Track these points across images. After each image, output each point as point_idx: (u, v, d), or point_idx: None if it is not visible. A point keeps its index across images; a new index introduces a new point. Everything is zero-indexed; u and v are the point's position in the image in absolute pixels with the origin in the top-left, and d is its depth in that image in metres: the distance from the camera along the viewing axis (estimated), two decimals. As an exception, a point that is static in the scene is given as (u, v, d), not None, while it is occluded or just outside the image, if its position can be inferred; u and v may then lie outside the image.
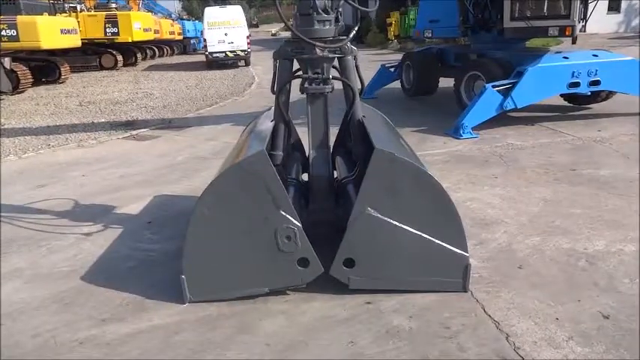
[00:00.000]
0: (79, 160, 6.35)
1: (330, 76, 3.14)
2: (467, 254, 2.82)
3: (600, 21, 20.60)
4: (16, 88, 12.77)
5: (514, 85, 6.75)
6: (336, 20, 3.12)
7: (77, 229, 4.06)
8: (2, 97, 12.44)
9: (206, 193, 2.75)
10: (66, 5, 19.31)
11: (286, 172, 3.44)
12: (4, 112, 10.49)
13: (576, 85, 7.02)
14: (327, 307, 2.78)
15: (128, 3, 25.40)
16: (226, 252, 2.78)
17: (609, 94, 7.79)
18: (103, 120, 9.29)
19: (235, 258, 2.80)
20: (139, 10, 24.95)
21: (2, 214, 4.42)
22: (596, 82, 7.05)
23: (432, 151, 5.98)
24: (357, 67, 3.24)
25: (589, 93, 7.49)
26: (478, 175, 5.06)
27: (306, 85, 3.14)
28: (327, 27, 3.05)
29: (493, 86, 6.74)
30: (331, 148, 3.43)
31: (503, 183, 4.78)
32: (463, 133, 6.61)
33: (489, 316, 2.64)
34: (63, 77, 15.46)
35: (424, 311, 2.70)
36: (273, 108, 3.48)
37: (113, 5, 21.96)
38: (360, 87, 3.38)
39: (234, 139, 4.22)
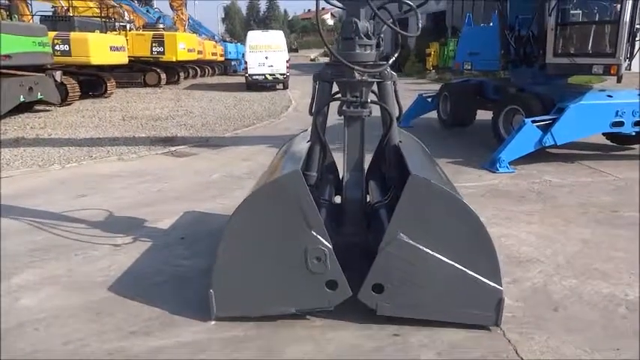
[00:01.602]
0: (118, 173, 6.54)
1: (369, 100, 3.17)
2: (501, 288, 2.73)
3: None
4: (64, 100, 13.33)
5: (554, 121, 6.64)
6: (377, 46, 3.16)
7: (112, 240, 4.16)
8: (51, 108, 13.01)
9: (240, 209, 2.78)
10: (117, 24, 20.19)
11: (319, 194, 3.45)
12: (51, 123, 10.96)
13: (620, 124, 6.84)
14: (354, 337, 2.74)
15: (175, 24, 26.37)
16: (256, 269, 2.79)
17: (655, 135, 7.55)
18: (143, 135, 9.58)
19: (264, 276, 2.80)
20: (184, 32, 25.82)
21: (43, 221, 4.58)
22: (641, 123, 6.85)
23: (467, 184, 5.90)
24: (395, 92, 3.26)
25: (633, 133, 7.28)
26: (514, 210, 4.95)
27: (344, 107, 3.17)
28: (368, 52, 3.09)
29: (533, 121, 6.64)
30: (365, 171, 3.44)
31: (539, 220, 4.66)
32: (500, 167, 6.51)
33: (522, 359, 2.55)
34: (109, 92, 16.07)
35: (453, 349, 2.62)
36: (309, 129, 3.52)
37: (161, 26, 22.85)
38: (397, 112, 3.38)
39: (268, 160, 4.27)
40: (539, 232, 4.37)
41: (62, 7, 18.94)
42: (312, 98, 3.34)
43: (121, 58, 17.07)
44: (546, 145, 6.62)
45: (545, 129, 6.63)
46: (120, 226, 4.51)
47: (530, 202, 5.23)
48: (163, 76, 20.57)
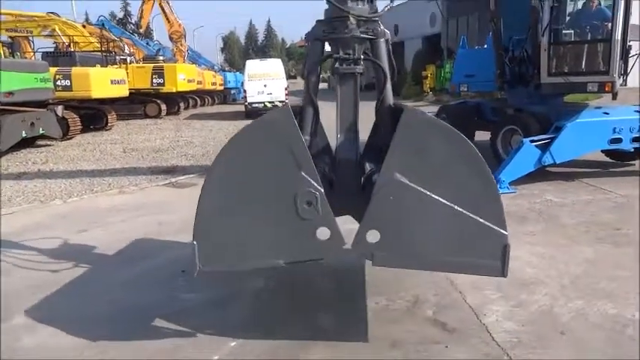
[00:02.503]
0: (119, 206, 6.55)
1: (362, 57, 3.05)
2: (506, 232, 2.47)
3: (641, 75, 20.27)
4: (66, 134, 13.45)
5: (553, 140, 6.67)
6: (370, 0, 3.08)
7: (113, 274, 4.14)
8: (52, 142, 13.13)
9: (223, 151, 2.55)
10: (117, 57, 20.52)
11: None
12: (53, 158, 11.03)
13: (618, 141, 6.88)
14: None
15: (175, 56, 26.81)
16: (241, 217, 2.55)
17: (653, 150, 7.57)
18: (144, 167, 9.63)
19: (251, 224, 2.56)
20: (184, 63, 26.22)
21: (44, 258, 4.57)
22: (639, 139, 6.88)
23: (468, 206, 5.88)
24: (388, 51, 3.14)
25: (632, 149, 7.30)
26: (516, 231, 4.93)
27: (337, 65, 3.05)
28: (361, 6, 3.01)
29: (531, 141, 6.67)
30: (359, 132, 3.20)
31: (542, 241, 4.64)
32: (500, 187, 6.49)
33: (530, 385, 2.51)
34: (109, 125, 16.23)
35: (460, 377, 2.58)
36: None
37: (161, 58, 23.24)
38: (391, 71, 3.22)
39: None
40: (543, 252, 4.34)
41: (63, 42, 19.28)
42: (305, 61, 3.22)
43: (122, 91, 17.29)
44: (546, 164, 6.64)
45: (544, 148, 6.66)
46: (121, 260, 4.50)
47: (532, 222, 5.22)
48: (164, 107, 20.80)
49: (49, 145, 12.90)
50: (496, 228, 2.46)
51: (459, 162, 2.47)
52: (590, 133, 6.85)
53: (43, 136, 12.37)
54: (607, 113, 7.12)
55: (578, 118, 6.88)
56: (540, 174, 6.85)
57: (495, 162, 7.49)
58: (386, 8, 3.07)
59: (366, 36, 3.01)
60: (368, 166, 3.44)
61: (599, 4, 7.71)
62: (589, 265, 4.04)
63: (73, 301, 3.67)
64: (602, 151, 7.87)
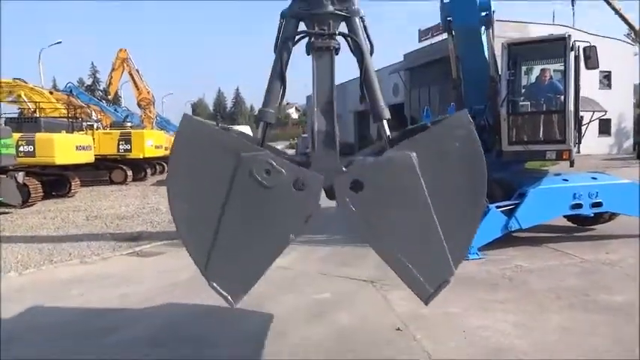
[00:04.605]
0: (80, 278, 6.24)
1: (337, 32, 3.00)
2: (454, 271, 2.49)
3: (593, 143, 21.47)
4: (26, 201, 12.98)
5: (517, 206, 6.85)
6: None
7: (69, 355, 3.86)
8: (10, 210, 12.62)
9: (172, 193, 2.54)
10: (84, 123, 20.38)
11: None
12: (10, 226, 10.56)
13: (579, 206, 7.12)
14: None
15: (143, 122, 26.83)
16: (226, 232, 2.50)
17: (612, 215, 7.85)
18: (108, 235, 9.31)
19: (237, 231, 2.52)
20: (152, 129, 26.24)
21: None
22: (598, 204, 7.16)
23: (440, 273, 5.87)
24: (365, 28, 3.10)
25: (592, 214, 7.55)
26: (488, 299, 4.92)
27: (312, 40, 3.00)
28: None
29: (496, 207, 6.83)
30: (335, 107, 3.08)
31: (515, 309, 4.63)
32: (470, 253, 6.55)
33: None
34: (73, 191, 15.80)
35: None
36: None
37: (128, 124, 23.17)
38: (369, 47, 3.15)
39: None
40: (516, 320, 4.32)
41: (29, 108, 19.10)
42: (277, 34, 3.11)
43: (88, 157, 17.02)
44: (512, 229, 6.78)
45: (509, 214, 6.81)
46: (77, 339, 4.21)
47: (503, 290, 5.22)
48: (130, 173, 20.49)
49: (7, 213, 12.38)
50: (451, 263, 2.49)
51: (468, 189, 2.51)
52: (552, 199, 7.09)
53: (1, 204, 11.91)
54: (566, 180, 7.41)
55: (540, 185, 7.13)
56: (507, 239, 6.96)
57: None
58: None
59: (341, 13, 3.02)
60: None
61: (551, 77, 8.27)
62: (563, 332, 4.02)
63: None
64: (565, 216, 8.11)
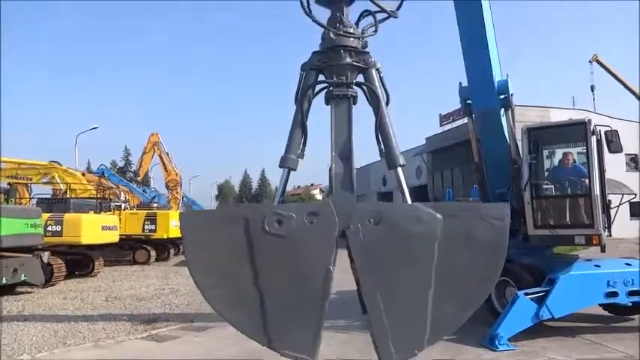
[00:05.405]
0: (92, 363, 6.06)
1: (354, 81, 3.14)
2: (424, 346, 2.51)
3: (624, 227, 20.79)
4: (49, 280, 13.02)
5: (548, 293, 6.52)
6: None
7: None
8: (33, 289, 12.65)
9: (198, 284, 2.63)
10: (112, 204, 20.88)
11: None
12: (30, 306, 10.52)
13: (614, 294, 6.74)
14: None
15: (169, 202, 27.40)
16: (268, 295, 2.57)
17: (653, 304, 7.37)
18: (125, 317, 9.16)
19: (279, 290, 2.59)
20: (178, 210, 26.68)
21: None
22: (636, 293, 6.74)
23: (467, 365, 5.51)
24: (381, 79, 3.22)
25: (630, 304, 7.10)
26: (521, 396, 4.54)
27: (331, 88, 3.13)
28: (352, 40, 3.16)
29: (525, 294, 6.52)
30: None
31: (551, 408, 4.24)
32: (499, 344, 6.17)
33: None
34: (95, 271, 15.85)
35: None
36: None
37: (155, 205, 23.67)
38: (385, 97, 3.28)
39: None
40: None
41: (60, 189, 19.76)
42: (298, 86, 3.27)
43: (113, 237, 17.23)
44: (544, 318, 6.41)
45: (540, 301, 6.47)
46: None
47: (537, 386, 4.83)
48: (153, 253, 20.57)
49: (29, 293, 12.40)
50: (425, 338, 2.49)
51: (479, 276, 2.54)
52: (585, 286, 6.74)
53: (24, 283, 11.97)
54: (598, 266, 7.08)
55: (571, 271, 6.81)
56: (539, 329, 6.56)
57: (492, 317, 7.21)
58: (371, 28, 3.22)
59: (359, 64, 3.17)
60: None
61: (574, 161, 8.14)
62: None
63: None
64: (600, 305, 7.66)
